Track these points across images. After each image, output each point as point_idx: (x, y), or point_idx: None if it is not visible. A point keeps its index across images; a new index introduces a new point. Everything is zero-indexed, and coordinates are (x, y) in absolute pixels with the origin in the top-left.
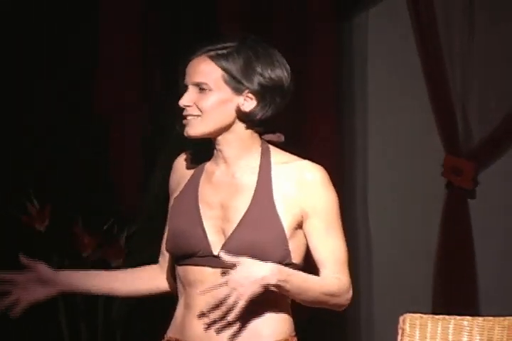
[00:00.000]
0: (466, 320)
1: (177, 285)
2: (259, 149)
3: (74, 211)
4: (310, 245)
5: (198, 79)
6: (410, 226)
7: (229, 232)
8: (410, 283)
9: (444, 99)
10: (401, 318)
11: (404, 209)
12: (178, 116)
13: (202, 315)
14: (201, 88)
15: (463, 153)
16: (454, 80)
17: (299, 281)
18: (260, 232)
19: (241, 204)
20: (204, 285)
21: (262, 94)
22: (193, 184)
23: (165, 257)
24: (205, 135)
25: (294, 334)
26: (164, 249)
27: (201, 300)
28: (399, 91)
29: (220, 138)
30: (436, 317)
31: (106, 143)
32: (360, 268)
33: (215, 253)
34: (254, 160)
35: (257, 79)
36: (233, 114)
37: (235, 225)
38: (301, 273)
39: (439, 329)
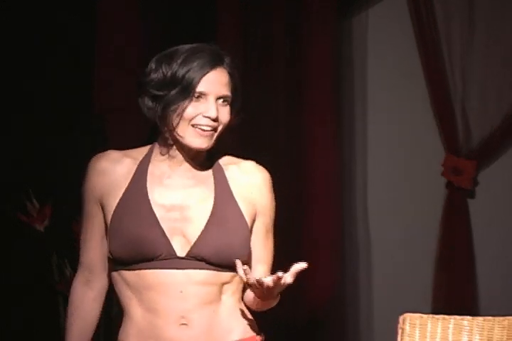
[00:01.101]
0: (466, 320)
1: (120, 290)
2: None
3: (74, 211)
4: (252, 242)
5: (225, 92)
6: (410, 226)
7: (192, 233)
8: (410, 283)
9: (444, 99)
10: (401, 318)
11: (404, 209)
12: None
13: (180, 317)
14: (225, 101)
15: (463, 153)
16: (454, 80)
17: None
18: (229, 233)
19: (203, 205)
20: (167, 287)
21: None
22: (138, 187)
23: (100, 264)
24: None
25: (260, 331)
26: (99, 256)
27: (170, 303)
28: (399, 91)
29: None
30: (436, 316)
31: (106, 142)
32: (360, 268)
33: (180, 255)
34: (205, 161)
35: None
36: None
37: (199, 226)
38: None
39: (439, 329)
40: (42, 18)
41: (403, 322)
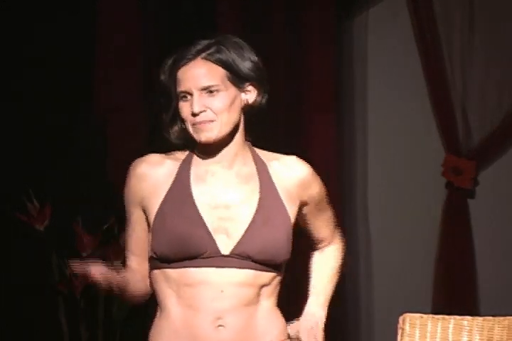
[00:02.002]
0: (465, 320)
1: (161, 288)
2: (248, 147)
3: (74, 211)
4: (308, 225)
5: (207, 82)
6: (410, 226)
7: (237, 231)
8: (410, 283)
9: (444, 99)
10: (401, 318)
11: (404, 209)
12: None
13: (217, 318)
14: (211, 91)
15: (463, 152)
16: (454, 80)
17: (329, 296)
18: (274, 230)
19: (247, 203)
20: (209, 285)
21: (258, 80)
22: (182, 186)
23: (140, 261)
24: (220, 138)
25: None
26: (141, 252)
27: (209, 302)
28: (399, 91)
29: (224, 138)
30: (436, 317)
31: (106, 142)
32: (360, 268)
33: (224, 253)
34: (248, 158)
35: (250, 67)
36: (240, 111)
37: (244, 224)
38: (322, 290)
39: (439, 329)
40: (42, 17)
41: (403, 322)
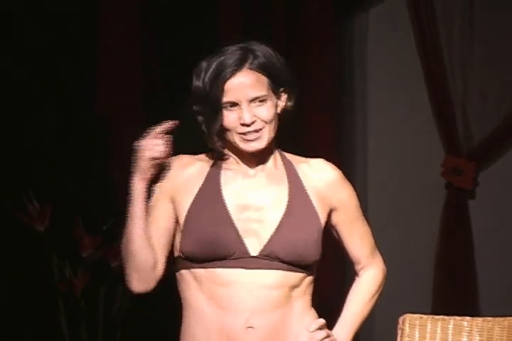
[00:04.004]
0: (465, 321)
1: (189, 288)
2: (277, 150)
3: (74, 211)
4: (341, 237)
5: (256, 93)
6: (410, 227)
7: (266, 233)
8: (410, 284)
9: (443, 100)
10: (401, 318)
11: (405, 210)
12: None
13: (247, 319)
14: (260, 100)
15: (463, 153)
16: (454, 81)
17: (356, 328)
18: (303, 231)
19: (277, 205)
20: (239, 286)
21: (291, 84)
22: (212, 187)
23: (161, 259)
24: (265, 147)
25: None
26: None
27: (240, 303)
28: (399, 92)
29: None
30: (436, 317)
31: (106, 143)
32: None
33: (253, 254)
34: (278, 161)
35: (286, 71)
36: (278, 117)
37: (273, 226)
38: (349, 322)
39: (439, 329)
40: (42, 17)
41: (403, 323)
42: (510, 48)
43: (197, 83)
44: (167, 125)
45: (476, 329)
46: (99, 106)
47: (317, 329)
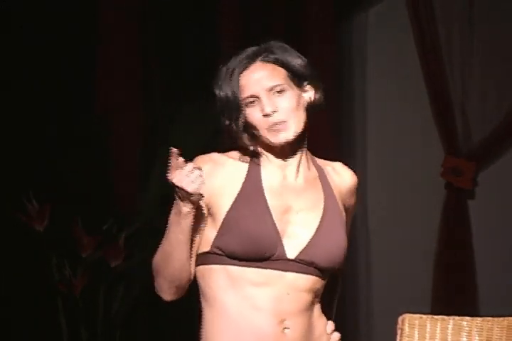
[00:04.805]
0: (465, 321)
1: (218, 284)
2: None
3: (73, 211)
4: None
5: (272, 82)
6: (410, 227)
7: (303, 237)
8: (409, 284)
9: (443, 100)
10: (400, 318)
11: (404, 210)
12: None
13: (282, 321)
14: (278, 91)
15: (462, 153)
16: (454, 80)
17: None
18: (337, 238)
19: (314, 209)
20: (276, 287)
21: (314, 78)
22: (254, 187)
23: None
24: (294, 138)
25: None
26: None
27: (275, 304)
28: (398, 92)
29: (296, 140)
30: (435, 317)
31: (105, 143)
32: (359, 268)
33: (290, 257)
34: (310, 163)
35: (304, 65)
36: (305, 112)
37: (310, 230)
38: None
39: (438, 329)
40: (43, 18)
41: (402, 323)
42: (510, 48)
43: (217, 89)
44: (197, 165)
45: (476, 329)
46: (99, 106)
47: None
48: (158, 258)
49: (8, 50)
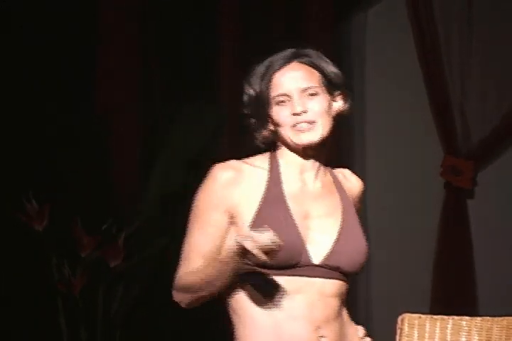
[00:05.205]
0: (464, 320)
1: (251, 296)
2: None
3: (73, 211)
4: None
5: (307, 84)
6: (409, 227)
7: (325, 242)
8: (409, 283)
9: (442, 100)
10: (399, 318)
11: (403, 209)
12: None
13: (317, 328)
14: (311, 93)
15: (462, 153)
16: (453, 80)
17: None
18: (358, 242)
19: (333, 214)
20: (306, 295)
21: (345, 88)
22: (276, 195)
23: (206, 264)
24: (319, 142)
25: None
26: (209, 256)
27: (307, 312)
28: (397, 92)
29: (318, 146)
30: (435, 317)
31: (105, 143)
32: None
33: (315, 263)
34: (325, 169)
35: (338, 74)
36: (332, 119)
37: (332, 235)
38: None
39: (438, 329)
40: (43, 18)
41: (402, 323)
42: (509, 48)
43: (248, 86)
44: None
45: (475, 329)
46: (99, 106)
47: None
48: (193, 279)
49: (8, 50)
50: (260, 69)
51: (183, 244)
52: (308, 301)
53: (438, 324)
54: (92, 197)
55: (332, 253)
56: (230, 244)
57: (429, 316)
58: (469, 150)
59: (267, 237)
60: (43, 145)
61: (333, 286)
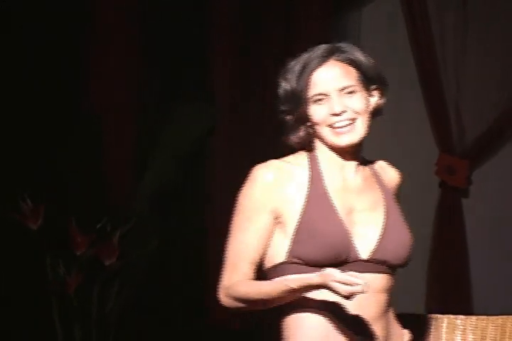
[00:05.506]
0: (459, 319)
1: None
2: None
3: (67, 210)
4: None
5: (345, 82)
6: None
7: (371, 236)
8: (404, 283)
9: (437, 99)
10: None
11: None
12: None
13: (366, 325)
14: (349, 91)
15: (456, 152)
16: (448, 79)
17: None
18: (403, 235)
19: (376, 207)
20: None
21: (382, 83)
22: (320, 193)
23: (255, 269)
24: (359, 142)
25: None
26: (258, 260)
27: (358, 308)
28: (392, 91)
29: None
30: (430, 315)
31: (99, 142)
32: None
33: (363, 257)
34: (363, 162)
35: (375, 69)
36: (370, 116)
37: (377, 229)
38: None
39: (433, 328)
40: (38, 16)
41: None
42: (505, 46)
43: (284, 81)
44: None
45: (470, 328)
46: (93, 106)
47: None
48: (251, 295)
49: (7, 50)
50: (297, 67)
51: (227, 248)
52: (358, 297)
53: (433, 323)
54: (86, 196)
55: (379, 247)
56: (309, 277)
57: (424, 315)
58: (464, 149)
59: (356, 285)
60: (39, 144)
61: (381, 281)
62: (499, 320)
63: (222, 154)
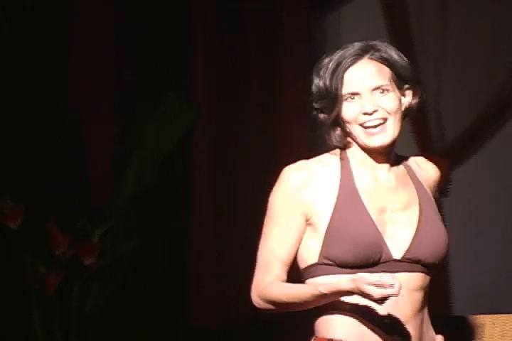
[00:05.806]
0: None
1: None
2: None
3: (47, 209)
4: None
5: (378, 82)
6: None
7: (404, 236)
8: None
9: None
10: None
11: None
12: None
13: (400, 325)
14: (382, 91)
15: (436, 151)
16: (427, 80)
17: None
18: (438, 233)
19: (410, 207)
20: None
21: (415, 82)
22: (350, 193)
23: (287, 270)
24: (392, 142)
25: None
26: (290, 261)
27: (391, 309)
28: None
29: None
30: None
31: (80, 142)
32: None
33: (396, 257)
34: (397, 160)
35: (408, 67)
36: (402, 116)
37: (410, 228)
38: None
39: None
40: (18, 17)
41: None
42: (484, 46)
43: (317, 78)
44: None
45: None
46: (75, 106)
47: None
48: (284, 299)
49: None
50: (330, 64)
51: (259, 249)
52: (393, 297)
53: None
54: (66, 196)
55: (412, 246)
56: (340, 282)
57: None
58: (443, 149)
59: (389, 286)
60: (19, 144)
61: (416, 279)
62: (477, 320)
63: (202, 154)
